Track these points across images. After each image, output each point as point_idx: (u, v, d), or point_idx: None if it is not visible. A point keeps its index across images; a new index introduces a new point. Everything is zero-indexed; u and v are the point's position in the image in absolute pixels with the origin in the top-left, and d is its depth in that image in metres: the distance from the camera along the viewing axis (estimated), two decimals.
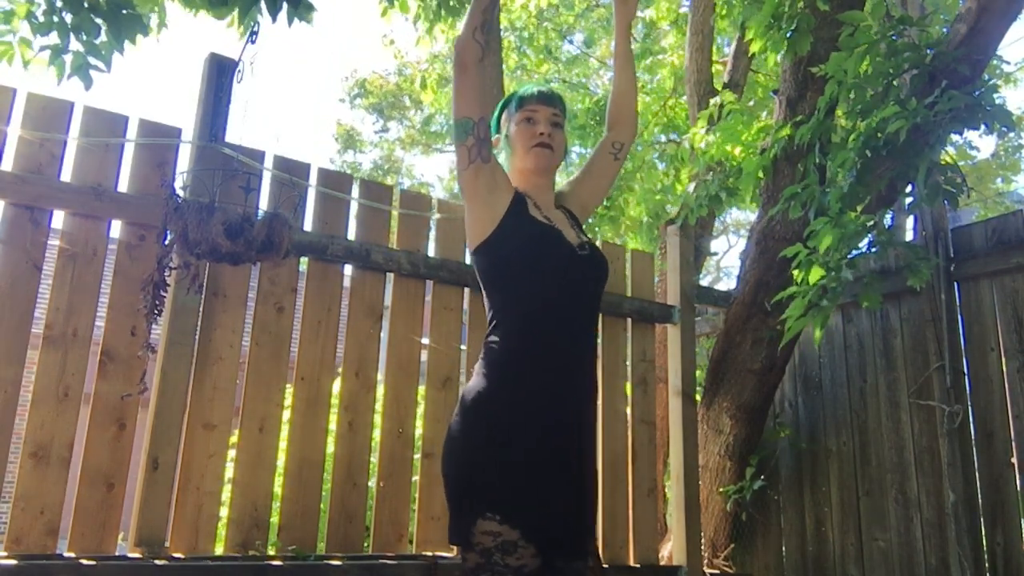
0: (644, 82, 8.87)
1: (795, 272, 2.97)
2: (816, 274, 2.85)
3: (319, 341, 2.78)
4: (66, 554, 2.28)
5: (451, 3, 5.44)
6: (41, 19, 2.73)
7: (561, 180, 2.11)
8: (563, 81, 10.90)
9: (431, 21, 5.69)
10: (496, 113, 2.00)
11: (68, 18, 2.71)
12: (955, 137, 3.08)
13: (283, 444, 2.74)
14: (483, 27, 1.80)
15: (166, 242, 2.22)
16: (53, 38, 2.74)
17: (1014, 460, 3.22)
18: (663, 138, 8.32)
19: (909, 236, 4.04)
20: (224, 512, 2.62)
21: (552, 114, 1.92)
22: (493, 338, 1.76)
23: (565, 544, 1.67)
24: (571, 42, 11.14)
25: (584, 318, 1.82)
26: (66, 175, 2.44)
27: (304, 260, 2.81)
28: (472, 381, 1.77)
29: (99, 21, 2.70)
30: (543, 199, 1.90)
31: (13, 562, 2.12)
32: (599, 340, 3.37)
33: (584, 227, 2.01)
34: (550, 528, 1.64)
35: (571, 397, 1.74)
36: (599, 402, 3.28)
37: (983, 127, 2.77)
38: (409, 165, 17.67)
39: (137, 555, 2.35)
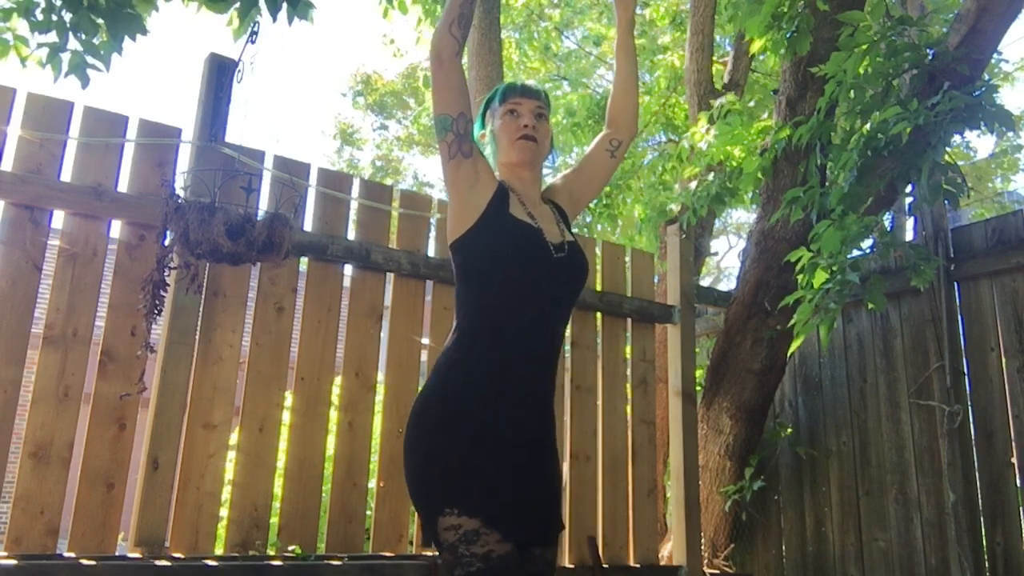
0: (643, 81, 8.87)
1: (799, 276, 2.97)
2: (820, 277, 2.85)
3: (319, 341, 2.78)
4: (66, 554, 2.28)
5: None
6: (40, 17, 2.72)
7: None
8: (563, 78, 10.90)
9: (433, 22, 5.69)
10: (481, 109, 1.98)
11: (67, 17, 2.71)
12: (955, 137, 3.08)
13: (283, 444, 2.74)
14: (460, 21, 1.77)
15: (166, 242, 2.22)
16: (51, 36, 2.74)
17: (1014, 460, 3.22)
18: (663, 138, 8.32)
19: (909, 236, 4.04)
20: (224, 512, 2.62)
21: (536, 106, 1.89)
22: (455, 336, 1.75)
23: (528, 531, 1.66)
24: (568, 38, 11.12)
25: (551, 320, 1.79)
26: (66, 175, 2.44)
27: (304, 260, 2.81)
28: (428, 380, 1.75)
29: (98, 20, 2.70)
30: (528, 193, 1.87)
31: (13, 562, 2.12)
32: (598, 340, 3.38)
33: (573, 223, 1.98)
34: (511, 515, 1.62)
35: (529, 403, 1.72)
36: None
37: (983, 127, 2.78)
38: (407, 164, 17.66)
39: (137, 555, 2.35)
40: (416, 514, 2.85)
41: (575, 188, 2.03)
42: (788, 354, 3.51)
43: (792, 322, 2.97)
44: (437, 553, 1.66)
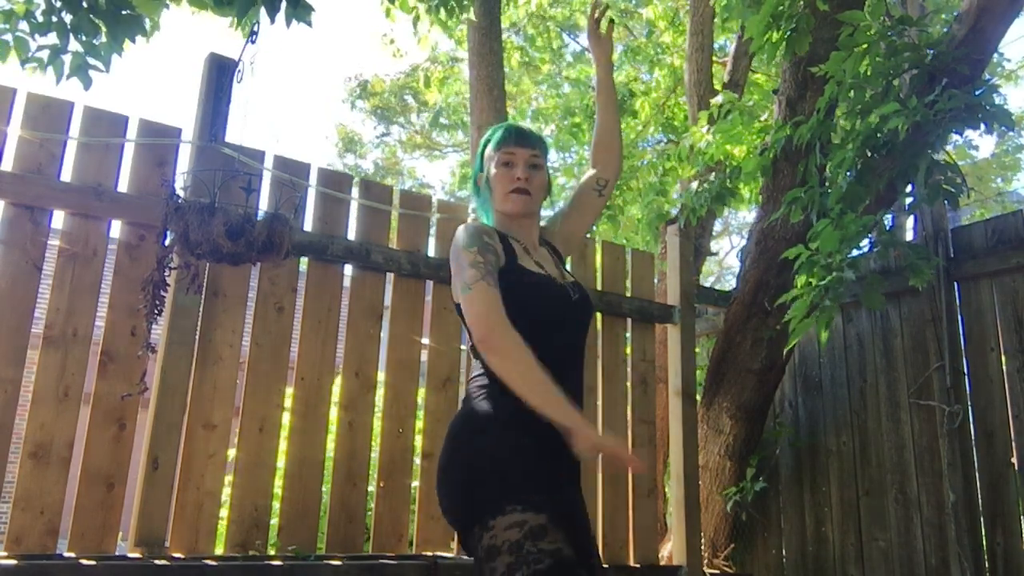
0: (643, 81, 8.87)
1: (797, 275, 2.97)
2: (818, 275, 2.84)
3: (319, 341, 2.78)
4: (66, 554, 2.28)
5: (450, 2, 5.44)
6: (40, 19, 2.72)
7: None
8: (566, 78, 10.90)
9: (439, 20, 5.67)
10: (480, 148, 1.97)
11: (67, 18, 2.71)
12: (955, 136, 3.08)
13: (283, 444, 2.74)
14: None
15: (166, 242, 2.23)
16: (52, 38, 2.74)
17: (1014, 460, 3.22)
18: (663, 138, 8.32)
19: (909, 236, 4.04)
20: (224, 512, 2.62)
21: (531, 155, 1.88)
22: (483, 379, 1.71)
23: (584, 554, 1.60)
24: (574, 38, 11.13)
25: (577, 357, 1.82)
26: (66, 175, 2.44)
27: (304, 260, 2.81)
28: (461, 410, 1.74)
29: (98, 22, 2.70)
30: (528, 238, 1.88)
31: (13, 562, 2.12)
32: (598, 340, 3.38)
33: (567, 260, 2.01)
34: (571, 526, 1.57)
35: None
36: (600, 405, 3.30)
37: (983, 127, 2.78)
38: (411, 168, 17.67)
39: (137, 555, 2.35)
40: (417, 512, 2.87)
41: (567, 228, 2.06)
42: (784, 351, 3.51)
43: (786, 318, 2.97)
44: (482, 567, 1.51)
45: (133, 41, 2.77)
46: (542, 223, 2.04)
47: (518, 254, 1.80)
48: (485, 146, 1.96)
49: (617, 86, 8.14)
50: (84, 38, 2.73)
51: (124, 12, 2.70)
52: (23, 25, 2.76)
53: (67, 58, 2.75)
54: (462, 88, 10.83)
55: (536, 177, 1.88)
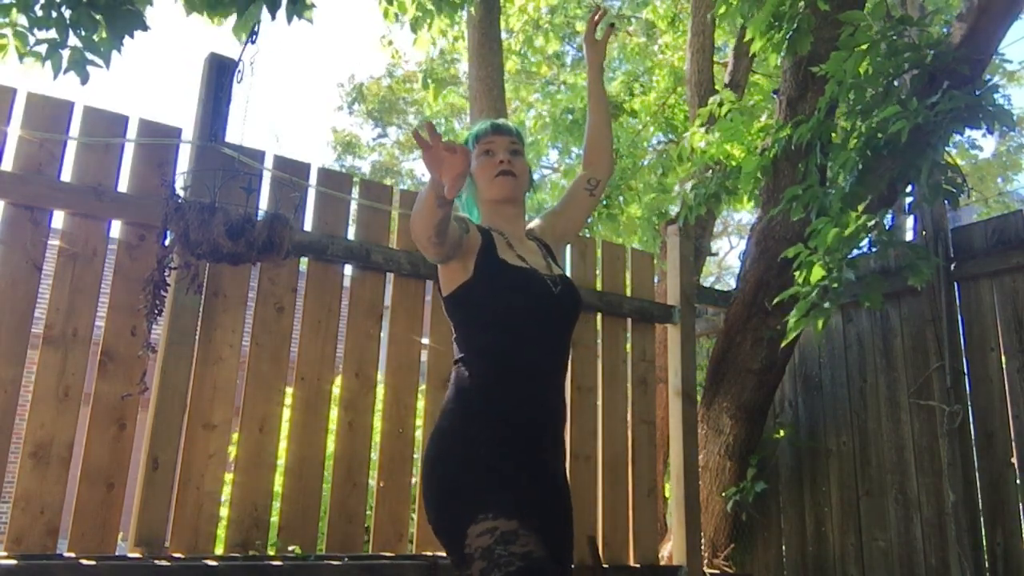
0: (642, 82, 8.87)
1: (796, 273, 2.97)
2: (817, 274, 2.84)
3: (319, 341, 2.78)
4: (66, 554, 2.28)
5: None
6: (39, 13, 2.72)
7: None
8: (563, 82, 10.90)
9: (434, 19, 5.68)
10: None
11: (67, 13, 2.70)
12: (957, 137, 3.08)
13: (283, 444, 2.74)
14: (438, 233, 1.64)
15: (167, 242, 2.23)
16: (51, 33, 2.74)
17: (1014, 460, 3.22)
18: (662, 138, 8.32)
19: (909, 236, 4.04)
20: (224, 512, 2.62)
21: (510, 142, 1.91)
22: (463, 372, 1.75)
23: (554, 548, 1.64)
24: (571, 44, 11.13)
25: (557, 350, 1.82)
26: (66, 175, 2.44)
27: (304, 260, 2.81)
28: (441, 417, 1.75)
29: (97, 17, 2.69)
30: (513, 230, 1.89)
31: (13, 562, 2.12)
32: (598, 340, 3.38)
33: (557, 256, 2.00)
34: (543, 526, 1.60)
35: (546, 426, 1.75)
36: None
37: (983, 127, 2.78)
38: (409, 169, 17.68)
39: (137, 555, 2.35)
40: (417, 512, 2.87)
41: (558, 226, 2.07)
42: (781, 349, 3.51)
43: (786, 319, 2.97)
44: (463, 568, 1.57)
45: (131, 37, 2.77)
46: (533, 223, 2.05)
47: (498, 246, 1.81)
48: (464, 145, 1.97)
49: (616, 85, 8.15)
50: (83, 33, 2.72)
51: (124, 7, 2.70)
52: (22, 20, 2.76)
53: (65, 53, 2.75)
54: (460, 102, 10.86)
55: (518, 161, 1.91)
